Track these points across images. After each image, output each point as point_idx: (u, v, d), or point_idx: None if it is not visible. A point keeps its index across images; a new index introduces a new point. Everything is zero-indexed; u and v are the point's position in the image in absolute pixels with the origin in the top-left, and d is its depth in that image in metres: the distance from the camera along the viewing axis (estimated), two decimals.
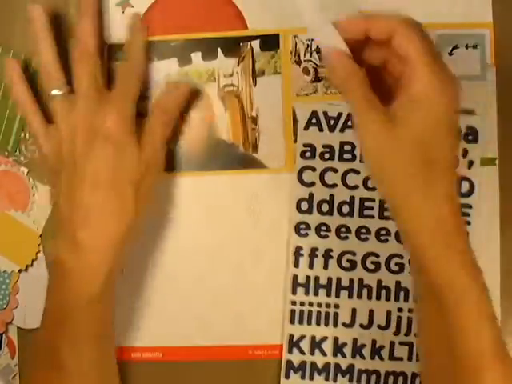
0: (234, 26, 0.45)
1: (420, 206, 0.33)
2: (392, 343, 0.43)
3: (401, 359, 0.43)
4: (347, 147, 0.44)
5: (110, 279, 0.39)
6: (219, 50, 0.45)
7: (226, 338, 0.45)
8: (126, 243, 0.40)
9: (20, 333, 0.46)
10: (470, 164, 0.43)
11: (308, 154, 0.44)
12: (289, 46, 0.45)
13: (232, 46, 0.45)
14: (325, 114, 0.44)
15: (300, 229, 0.44)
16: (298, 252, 0.44)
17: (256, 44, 0.45)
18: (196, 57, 0.45)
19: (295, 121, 0.44)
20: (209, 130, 0.45)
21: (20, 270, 0.46)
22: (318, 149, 0.44)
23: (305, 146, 0.44)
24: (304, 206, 0.44)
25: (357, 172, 0.43)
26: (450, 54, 0.44)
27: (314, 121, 0.44)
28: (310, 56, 0.45)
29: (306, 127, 0.44)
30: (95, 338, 0.39)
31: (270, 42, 0.45)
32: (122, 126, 0.39)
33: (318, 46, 0.44)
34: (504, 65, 0.44)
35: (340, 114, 0.44)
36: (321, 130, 0.44)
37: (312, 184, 0.44)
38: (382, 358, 0.43)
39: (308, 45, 0.45)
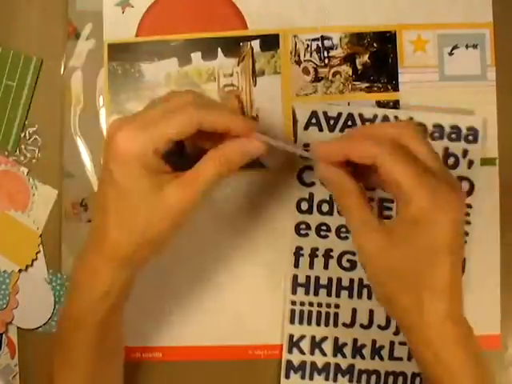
0: (234, 25, 0.45)
1: (419, 324, 0.33)
2: (392, 343, 0.43)
3: (400, 359, 0.43)
4: None
5: (118, 302, 0.37)
6: (219, 50, 0.45)
7: (226, 338, 0.45)
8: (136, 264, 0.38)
9: (20, 333, 0.46)
10: (470, 164, 0.43)
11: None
12: (289, 46, 0.45)
13: (232, 46, 0.45)
14: (324, 114, 0.44)
15: (300, 229, 0.44)
16: (298, 252, 0.44)
17: (256, 44, 0.45)
18: (196, 57, 0.45)
19: (295, 121, 0.44)
20: None
21: (20, 270, 0.46)
22: None
23: (305, 146, 0.44)
24: (304, 205, 0.44)
25: None
26: (450, 54, 0.44)
27: (313, 121, 0.44)
28: (310, 56, 0.45)
29: (306, 127, 0.44)
30: (95, 354, 0.37)
31: (270, 42, 0.45)
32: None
33: (317, 46, 0.45)
34: (504, 65, 0.44)
35: (340, 114, 0.44)
36: (320, 129, 0.44)
37: (312, 184, 0.44)
38: (381, 358, 0.43)
39: (308, 45, 0.45)
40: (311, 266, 0.44)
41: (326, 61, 0.45)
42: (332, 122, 0.44)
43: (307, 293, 0.44)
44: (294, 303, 0.44)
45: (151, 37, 0.45)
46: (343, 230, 0.44)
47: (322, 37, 0.45)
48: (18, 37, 0.46)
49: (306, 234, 0.44)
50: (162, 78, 0.45)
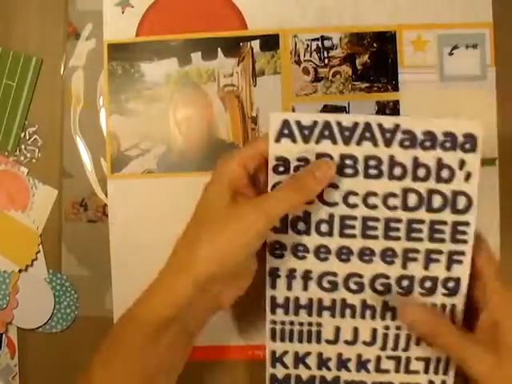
0: (234, 26, 0.45)
1: None
2: (378, 357, 0.40)
3: (387, 371, 0.41)
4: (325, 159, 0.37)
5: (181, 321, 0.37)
6: (219, 50, 0.45)
7: (226, 338, 0.45)
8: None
9: (20, 333, 0.46)
10: (468, 176, 0.37)
11: (281, 169, 0.37)
12: (289, 46, 0.45)
13: (232, 46, 0.45)
14: (297, 123, 0.37)
15: (274, 249, 0.39)
16: (273, 273, 0.39)
17: (256, 44, 0.45)
18: (196, 57, 0.45)
19: None
20: (209, 130, 0.45)
21: (20, 270, 0.46)
22: (292, 162, 0.37)
23: (277, 159, 0.37)
24: (277, 224, 0.38)
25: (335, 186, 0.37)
26: (450, 54, 0.44)
27: (285, 131, 0.37)
28: (310, 56, 0.45)
29: (278, 139, 0.37)
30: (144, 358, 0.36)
31: (270, 42, 0.45)
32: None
33: (317, 46, 0.45)
34: (504, 65, 0.44)
35: (315, 123, 0.37)
36: (294, 141, 0.37)
37: None
38: (368, 371, 0.41)
39: (308, 45, 0.45)
40: (289, 287, 0.39)
41: (326, 61, 0.45)
42: (307, 132, 0.37)
43: (287, 313, 0.40)
44: (274, 322, 0.40)
45: (151, 37, 0.45)
46: (323, 250, 0.38)
47: (321, 37, 0.45)
48: (17, 37, 0.46)
49: (282, 255, 0.39)
50: (162, 78, 0.45)
